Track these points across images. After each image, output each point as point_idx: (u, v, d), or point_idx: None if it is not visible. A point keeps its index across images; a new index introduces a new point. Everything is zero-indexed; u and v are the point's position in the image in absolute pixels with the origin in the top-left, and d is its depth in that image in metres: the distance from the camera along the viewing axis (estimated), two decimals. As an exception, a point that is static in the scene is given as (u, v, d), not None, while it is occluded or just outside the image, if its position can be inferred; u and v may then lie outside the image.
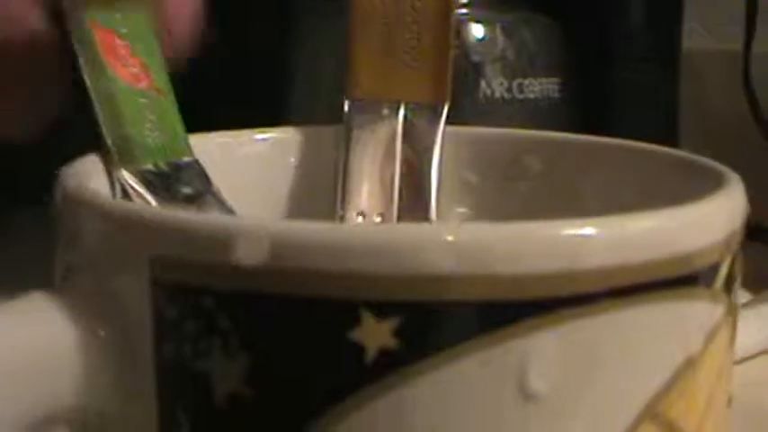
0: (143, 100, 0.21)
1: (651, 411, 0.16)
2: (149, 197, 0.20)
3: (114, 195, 0.20)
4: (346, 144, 0.23)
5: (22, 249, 0.54)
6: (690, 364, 0.17)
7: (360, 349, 0.15)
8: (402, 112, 0.23)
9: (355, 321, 0.15)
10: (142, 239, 0.16)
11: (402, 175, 0.23)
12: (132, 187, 0.20)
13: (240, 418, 0.16)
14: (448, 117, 0.24)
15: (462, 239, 0.15)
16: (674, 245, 0.16)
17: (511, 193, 0.24)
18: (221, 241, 0.15)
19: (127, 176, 0.20)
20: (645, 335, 0.16)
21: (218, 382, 0.15)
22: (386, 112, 0.23)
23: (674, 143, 0.43)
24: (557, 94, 0.41)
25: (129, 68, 0.21)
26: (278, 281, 0.15)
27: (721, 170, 0.20)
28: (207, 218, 0.15)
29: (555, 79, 0.41)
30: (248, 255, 0.15)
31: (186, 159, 0.21)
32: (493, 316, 0.15)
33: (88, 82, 0.21)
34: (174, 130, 0.21)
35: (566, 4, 0.42)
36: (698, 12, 0.47)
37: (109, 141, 0.20)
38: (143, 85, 0.21)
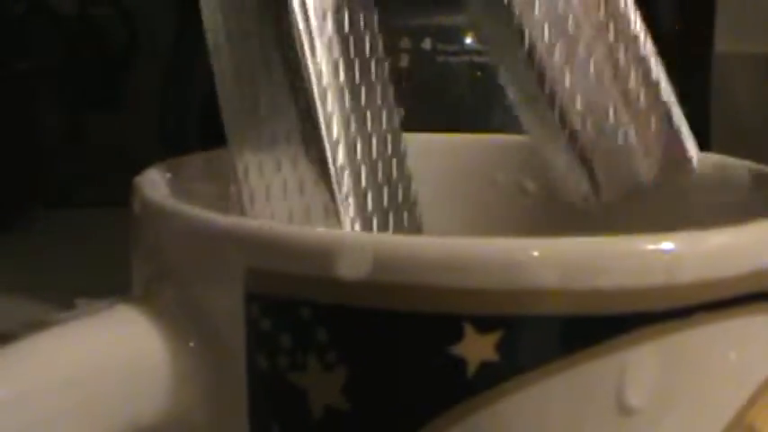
0: None
1: (740, 422, 0.16)
2: None
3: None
4: None
5: (45, 250, 0.54)
6: (775, 375, 0.17)
7: (462, 363, 0.15)
8: None
9: (458, 335, 0.15)
10: (237, 252, 0.16)
11: None
12: None
13: None
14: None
15: (564, 254, 0.15)
16: (760, 259, 0.16)
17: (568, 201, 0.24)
18: (322, 254, 0.15)
19: None
20: (734, 347, 0.16)
21: (313, 395, 0.16)
22: None
23: (703, 147, 0.43)
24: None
25: None
26: (379, 295, 0.15)
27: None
28: (307, 231, 0.15)
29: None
30: (350, 268, 0.15)
31: None
32: (593, 330, 0.15)
33: None
34: None
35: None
36: (726, 15, 0.47)
37: None
38: None
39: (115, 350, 0.17)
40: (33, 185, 0.62)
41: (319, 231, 0.15)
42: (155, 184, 0.19)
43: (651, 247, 0.15)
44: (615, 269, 0.15)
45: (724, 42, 0.47)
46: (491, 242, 0.15)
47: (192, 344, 0.17)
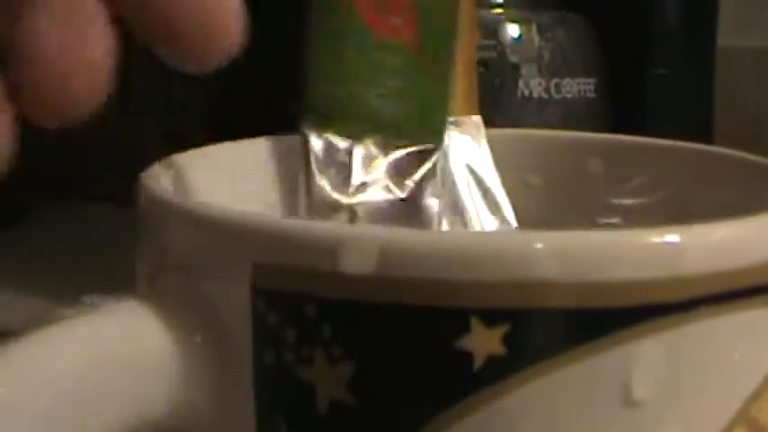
0: (392, 59, 0.16)
1: (744, 415, 0.16)
2: (315, 170, 0.18)
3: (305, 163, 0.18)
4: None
5: (55, 245, 0.54)
6: (781, 368, 0.17)
7: (468, 357, 0.15)
8: None
9: (465, 329, 0.15)
10: (244, 247, 0.16)
11: None
12: (313, 154, 0.17)
13: (341, 426, 0.16)
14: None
15: (569, 246, 0.15)
16: (765, 251, 0.16)
17: (573, 195, 0.24)
18: (328, 249, 0.15)
19: (314, 141, 0.17)
20: (740, 340, 0.16)
21: (320, 389, 0.16)
22: None
23: (708, 142, 0.43)
24: (593, 94, 0.41)
25: (389, 16, 0.16)
26: (385, 289, 0.15)
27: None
28: (313, 225, 0.15)
29: (591, 79, 0.41)
30: (356, 263, 0.15)
31: (420, 147, 0.17)
32: (599, 322, 0.15)
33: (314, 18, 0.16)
34: (427, 106, 0.17)
35: (601, 2, 0.42)
36: (730, 9, 0.47)
37: (311, 98, 0.16)
38: (401, 39, 0.16)
39: (121, 345, 0.17)
40: (34, 181, 0.62)
41: (325, 226, 0.15)
42: (159, 179, 0.19)
43: (656, 239, 0.15)
44: (620, 261, 0.15)
45: (728, 37, 0.47)
46: (496, 235, 0.15)
47: (198, 339, 0.17)
